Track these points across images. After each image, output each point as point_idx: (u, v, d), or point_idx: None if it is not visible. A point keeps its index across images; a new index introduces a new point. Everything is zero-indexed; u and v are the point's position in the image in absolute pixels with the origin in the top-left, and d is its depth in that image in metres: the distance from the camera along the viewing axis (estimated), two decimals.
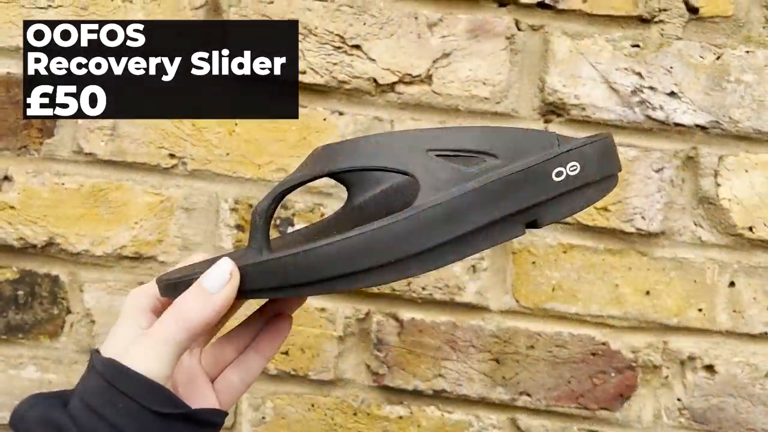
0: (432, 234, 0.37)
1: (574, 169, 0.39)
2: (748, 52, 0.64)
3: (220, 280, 0.38)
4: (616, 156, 0.42)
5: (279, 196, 0.40)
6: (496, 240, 0.39)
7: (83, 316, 0.71)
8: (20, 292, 0.71)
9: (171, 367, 0.38)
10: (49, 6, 0.68)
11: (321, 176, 0.41)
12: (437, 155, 0.39)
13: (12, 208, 0.69)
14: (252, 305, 0.47)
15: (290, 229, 0.68)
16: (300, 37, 0.66)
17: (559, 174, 0.39)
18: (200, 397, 0.43)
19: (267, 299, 0.47)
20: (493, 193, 0.38)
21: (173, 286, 0.41)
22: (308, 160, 0.43)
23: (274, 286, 0.38)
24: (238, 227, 0.69)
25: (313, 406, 0.71)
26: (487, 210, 0.38)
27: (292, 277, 0.37)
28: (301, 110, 0.67)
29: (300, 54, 0.66)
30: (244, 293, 0.39)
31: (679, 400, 0.68)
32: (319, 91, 0.67)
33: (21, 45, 0.68)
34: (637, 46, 0.65)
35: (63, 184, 0.69)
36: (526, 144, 0.40)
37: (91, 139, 0.68)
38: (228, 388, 0.45)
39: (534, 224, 0.40)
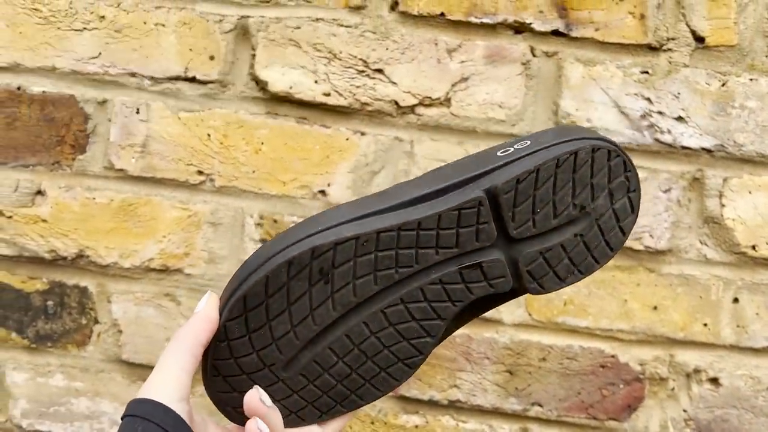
0: (377, 203, 0.42)
1: (524, 144, 0.41)
2: (751, 79, 0.68)
3: (202, 301, 0.45)
4: (582, 128, 0.44)
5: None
6: (447, 203, 0.40)
7: (110, 326, 0.74)
8: (50, 303, 0.74)
9: (180, 381, 0.42)
10: (84, 29, 0.71)
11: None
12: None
13: (44, 221, 0.72)
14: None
15: None
16: (325, 60, 0.69)
17: (505, 150, 0.41)
18: None
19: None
20: (434, 174, 0.42)
21: None
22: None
23: (232, 289, 0.43)
24: (263, 241, 0.71)
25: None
26: (429, 184, 0.41)
27: (243, 272, 0.42)
28: (325, 130, 0.70)
29: (325, 77, 0.69)
30: (226, 302, 0.44)
31: (684, 411, 0.71)
32: (343, 112, 0.70)
33: (56, 65, 0.71)
34: (647, 72, 0.68)
35: (94, 198, 0.72)
36: (472, 158, 0.45)
37: (122, 156, 0.71)
38: None
39: (495, 190, 0.40)
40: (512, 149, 0.41)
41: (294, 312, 0.42)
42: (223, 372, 0.44)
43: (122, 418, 0.42)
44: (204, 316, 0.44)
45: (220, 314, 0.43)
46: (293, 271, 0.41)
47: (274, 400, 0.44)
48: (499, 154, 0.41)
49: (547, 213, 0.42)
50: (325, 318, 0.43)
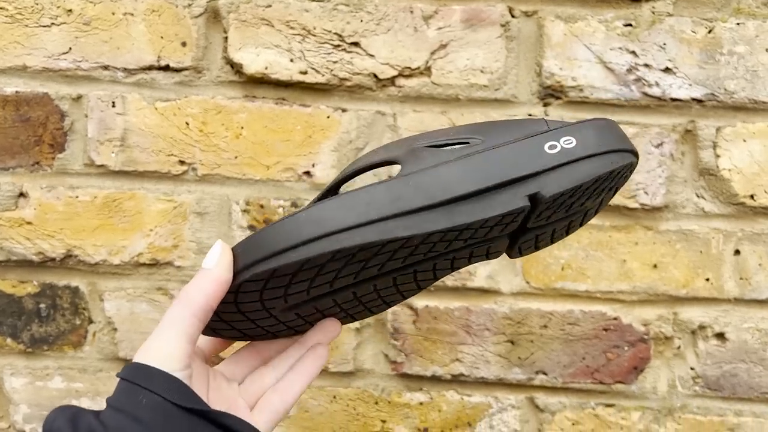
0: (413, 197, 0.37)
1: (569, 143, 0.39)
2: (738, 24, 0.66)
3: (214, 256, 0.41)
4: (619, 133, 0.42)
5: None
6: (493, 211, 0.38)
7: (105, 325, 0.73)
8: (42, 305, 0.73)
9: (184, 350, 0.40)
10: (53, 24, 0.69)
11: (322, 197, 0.44)
12: (425, 147, 0.40)
13: (29, 223, 0.71)
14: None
15: None
16: (299, 38, 0.68)
17: (552, 147, 0.39)
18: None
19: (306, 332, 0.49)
20: (478, 163, 0.38)
21: None
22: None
23: (263, 256, 0.39)
24: (251, 228, 0.70)
25: (335, 397, 0.72)
26: (473, 178, 0.38)
27: (277, 242, 0.38)
28: (304, 109, 0.69)
29: (300, 55, 0.68)
30: (241, 271, 0.40)
31: (692, 369, 0.70)
32: (322, 89, 0.69)
33: (27, 64, 0.69)
34: (630, 25, 0.66)
35: (77, 197, 0.71)
36: (513, 128, 0.40)
37: (101, 152, 0.70)
38: (268, 409, 0.46)
39: (538, 196, 0.39)
40: (559, 147, 0.39)
41: (315, 283, 0.42)
42: (223, 316, 0.44)
43: (120, 379, 0.39)
44: (216, 277, 0.40)
45: (237, 273, 0.41)
46: (336, 258, 0.40)
47: (257, 326, 0.45)
48: (547, 150, 0.39)
49: (562, 211, 0.43)
50: (342, 286, 0.44)
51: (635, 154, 0.42)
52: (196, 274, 0.42)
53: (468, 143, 0.40)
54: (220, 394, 0.45)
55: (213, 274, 0.40)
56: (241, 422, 0.42)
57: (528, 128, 0.40)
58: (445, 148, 0.40)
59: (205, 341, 0.49)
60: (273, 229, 0.39)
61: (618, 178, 0.43)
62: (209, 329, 0.46)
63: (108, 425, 0.38)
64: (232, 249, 0.41)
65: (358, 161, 0.44)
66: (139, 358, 0.40)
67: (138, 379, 0.38)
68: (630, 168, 0.42)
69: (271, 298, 0.43)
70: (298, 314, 0.46)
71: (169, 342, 0.40)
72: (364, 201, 0.38)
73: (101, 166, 0.70)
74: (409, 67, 0.68)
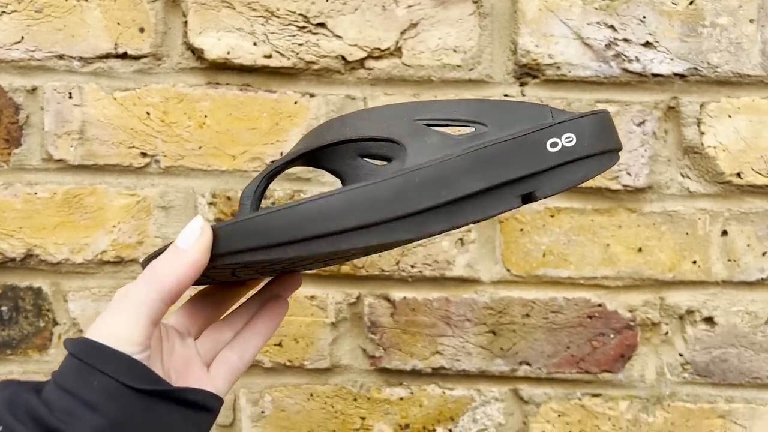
0: (419, 196, 0.36)
1: (570, 140, 0.38)
2: None
3: (192, 236, 0.37)
4: (614, 131, 0.41)
5: (266, 178, 0.39)
6: (489, 210, 0.37)
7: (70, 326, 0.70)
8: (3, 308, 0.70)
9: (146, 334, 0.36)
10: (2, 12, 0.66)
11: (306, 153, 0.40)
12: (425, 124, 0.38)
13: None
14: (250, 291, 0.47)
15: None
16: (262, 20, 0.64)
17: (554, 144, 0.38)
18: (193, 383, 0.42)
19: (263, 282, 0.47)
20: (484, 159, 0.36)
21: (151, 258, 0.40)
22: (300, 140, 0.41)
23: (253, 246, 0.36)
24: (218, 221, 0.67)
25: (312, 395, 0.69)
26: (479, 176, 0.36)
27: (270, 235, 0.36)
28: (270, 95, 0.66)
29: (264, 38, 0.65)
30: (221, 255, 0.37)
31: (681, 355, 0.67)
32: (287, 74, 0.65)
33: None
34: None
35: (35, 193, 0.68)
36: (518, 115, 0.38)
37: (59, 146, 0.67)
38: (225, 366, 0.44)
39: (530, 197, 0.38)
40: (561, 145, 0.38)
41: (292, 266, 0.41)
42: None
43: (70, 355, 0.36)
44: (192, 262, 0.37)
45: (218, 255, 0.38)
46: (331, 255, 0.38)
47: (217, 281, 0.44)
48: (548, 147, 0.37)
49: None
50: (318, 262, 0.43)
51: (620, 150, 0.41)
52: (167, 249, 0.38)
53: (472, 128, 0.38)
54: (175, 356, 0.42)
55: (188, 257, 0.37)
56: (203, 394, 0.40)
57: (532, 116, 0.38)
58: (446, 128, 0.38)
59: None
60: (270, 218, 0.36)
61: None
62: None
63: (54, 407, 0.34)
64: (214, 229, 0.38)
65: (345, 126, 0.40)
66: (93, 334, 0.36)
67: (90, 359, 0.35)
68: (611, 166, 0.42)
69: (244, 272, 0.41)
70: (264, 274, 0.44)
71: (129, 322, 0.36)
72: (369, 200, 0.35)
73: (60, 160, 0.67)
74: (379, 48, 0.64)
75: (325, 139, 0.39)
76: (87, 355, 0.35)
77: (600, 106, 0.64)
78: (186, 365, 0.43)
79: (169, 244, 0.39)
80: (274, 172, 0.39)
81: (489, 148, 0.36)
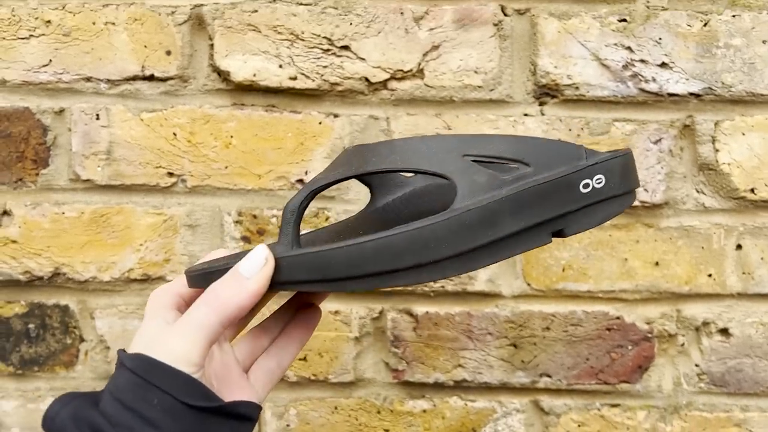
0: (470, 236, 0.38)
1: (600, 182, 0.41)
2: (734, 16, 0.65)
3: (256, 266, 0.38)
4: (635, 171, 0.43)
5: (311, 194, 0.40)
6: (524, 247, 0.40)
7: (97, 343, 0.71)
8: (31, 326, 0.71)
9: (203, 355, 0.38)
10: (31, 36, 0.67)
11: (357, 175, 0.42)
12: (473, 160, 0.40)
13: (14, 242, 0.69)
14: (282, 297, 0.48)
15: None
16: (287, 43, 0.66)
17: (586, 186, 0.40)
18: (235, 390, 0.43)
19: (296, 292, 0.48)
20: (526, 200, 0.39)
21: (205, 276, 0.41)
22: (340, 159, 0.43)
23: (313, 278, 0.38)
24: (244, 239, 0.68)
25: (336, 408, 0.71)
26: (520, 217, 0.39)
27: (331, 270, 0.38)
28: (295, 116, 0.67)
29: (289, 60, 0.66)
30: (280, 284, 0.39)
31: (697, 365, 0.69)
32: (312, 95, 0.67)
33: (6, 77, 0.67)
34: (624, 20, 0.65)
35: (63, 213, 0.69)
36: (555, 154, 0.41)
37: (87, 166, 0.68)
38: (264, 373, 0.46)
39: (560, 233, 0.41)
40: (592, 186, 0.41)
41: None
42: None
43: (129, 370, 0.37)
44: (254, 291, 0.38)
45: (278, 282, 0.39)
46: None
47: None
48: (581, 189, 0.41)
49: None
50: None
51: (638, 188, 0.45)
52: (229, 274, 0.39)
53: (516, 165, 0.41)
54: (215, 362, 0.44)
55: (251, 286, 0.38)
56: (250, 406, 0.41)
57: (568, 155, 0.41)
58: (491, 164, 0.40)
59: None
60: (333, 254, 0.38)
61: None
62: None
63: (114, 421, 0.36)
64: (276, 259, 0.39)
65: (395, 153, 0.41)
66: (153, 352, 0.37)
67: (150, 376, 0.36)
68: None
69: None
70: None
71: (188, 343, 0.38)
72: (426, 240, 0.38)
73: (87, 180, 0.68)
74: (402, 70, 0.66)
75: (376, 165, 0.40)
76: (146, 372, 0.37)
77: (617, 125, 0.66)
78: (226, 371, 0.44)
79: (225, 265, 0.40)
80: (319, 189, 0.40)
81: (530, 190, 0.39)
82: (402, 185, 0.50)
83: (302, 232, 0.46)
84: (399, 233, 0.37)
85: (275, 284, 0.39)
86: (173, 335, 0.38)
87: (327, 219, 0.68)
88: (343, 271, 0.38)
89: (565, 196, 0.40)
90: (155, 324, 0.40)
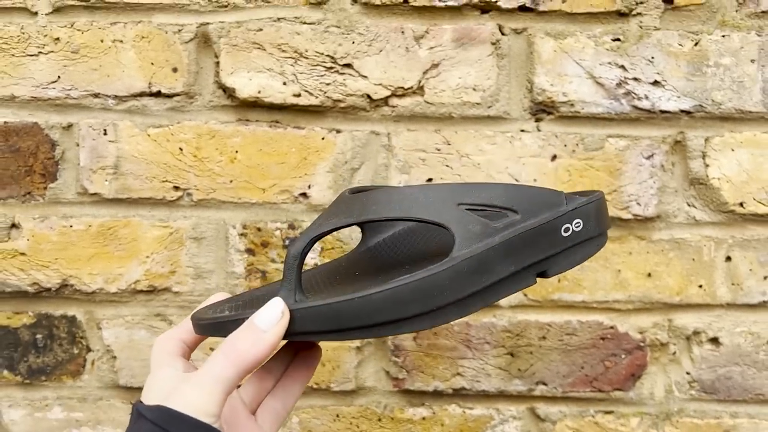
0: (468, 283, 0.41)
1: (578, 226, 0.45)
2: (723, 36, 0.67)
3: (273, 319, 0.40)
4: (607, 213, 0.48)
5: (312, 241, 0.42)
6: (513, 289, 0.44)
7: (104, 353, 0.72)
8: (38, 336, 0.72)
9: (221, 406, 0.39)
10: (40, 53, 0.68)
11: (359, 223, 0.44)
12: (467, 209, 0.43)
13: (22, 254, 0.70)
14: None
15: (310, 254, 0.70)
16: (291, 60, 0.68)
17: (566, 230, 0.45)
18: None
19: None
20: (515, 246, 0.43)
21: (216, 326, 0.42)
22: (339, 205, 0.45)
23: (323, 329, 0.40)
24: (249, 251, 0.70)
25: (338, 416, 0.72)
26: (510, 261, 0.43)
27: (341, 322, 0.40)
28: (299, 131, 0.69)
29: (293, 77, 0.68)
30: (292, 334, 0.41)
31: (688, 373, 0.71)
32: (315, 111, 0.69)
33: (15, 94, 0.69)
34: (618, 39, 0.67)
35: (71, 226, 0.70)
36: (540, 201, 0.44)
37: (94, 180, 0.69)
38: (271, 415, 0.47)
39: (543, 274, 0.45)
40: (571, 230, 0.45)
41: None
42: None
43: (150, 421, 0.38)
44: (271, 343, 0.39)
45: (292, 333, 0.41)
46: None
47: None
48: (562, 233, 0.45)
49: None
50: None
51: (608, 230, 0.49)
52: (245, 326, 0.40)
53: (506, 215, 0.44)
54: (224, 409, 0.44)
55: (268, 339, 0.39)
56: None
57: (551, 202, 0.45)
58: (483, 212, 0.43)
59: None
60: (343, 306, 0.40)
61: None
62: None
63: None
64: (290, 311, 0.41)
65: (392, 203, 0.43)
66: (171, 403, 0.38)
67: (170, 427, 0.37)
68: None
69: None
70: None
71: (206, 395, 0.39)
72: (430, 289, 0.40)
73: (95, 194, 0.70)
74: (402, 87, 0.68)
75: (377, 214, 0.42)
76: (167, 422, 0.38)
77: (611, 141, 0.68)
78: (234, 415, 0.45)
79: (238, 316, 0.41)
80: (320, 236, 0.42)
81: (519, 236, 0.43)
82: (391, 225, 0.53)
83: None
84: (404, 284, 0.40)
85: (287, 334, 0.41)
86: (191, 386, 0.39)
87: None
88: (352, 322, 0.40)
89: (549, 240, 0.44)
90: (167, 374, 0.42)
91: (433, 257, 0.45)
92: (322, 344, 0.71)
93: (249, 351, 0.39)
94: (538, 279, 0.45)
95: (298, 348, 0.50)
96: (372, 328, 0.40)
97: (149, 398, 0.40)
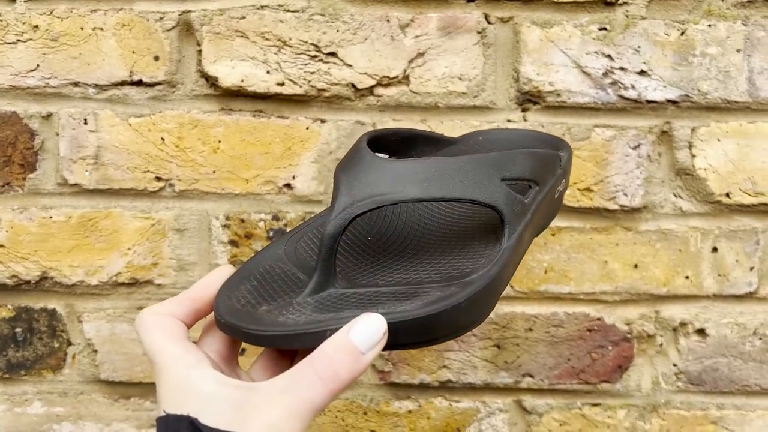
0: (512, 263, 0.42)
1: (563, 186, 0.49)
2: (710, 25, 0.67)
3: (373, 340, 0.35)
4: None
5: (353, 219, 0.39)
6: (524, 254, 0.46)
7: (84, 347, 0.71)
8: (18, 330, 0.71)
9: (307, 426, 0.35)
10: (18, 41, 0.67)
11: (406, 201, 0.40)
12: (507, 184, 0.42)
13: (1, 246, 0.69)
14: None
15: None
16: (275, 49, 0.67)
17: (558, 193, 0.48)
18: None
19: None
20: (535, 218, 0.44)
21: (294, 338, 0.36)
22: (373, 172, 0.41)
23: (415, 341, 0.37)
24: (232, 243, 0.69)
25: (323, 410, 0.72)
26: (532, 233, 0.45)
27: (435, 332, 0.37)
28: (283, 121, 0.68)
29: (277, 66, 0.67)
30: (387, 347, 0.37)
31: (674, 365, 0.71)
32: (300, 101, 0.68)
33: None
34: (605, 29, 0.67)
35: (51, 217, 0.69)
36: (550, 167, 0.46)
37: (74, 170, 0.68)
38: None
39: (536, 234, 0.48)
40: (559, 192, 0.50)
41: None
42: None
43: None
44: (368, 364, 0.35)
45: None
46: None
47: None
48: (555, 196, 0.50)
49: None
50: None
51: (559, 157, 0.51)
52: (343, 346, 0.35)
53: (536, 187, 0.46)
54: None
55: (366, 361, 0.35)
56: None
57: (553, 167, 0.47)
58: (514, 185, 0.44)
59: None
60: (439, 318, 0.36)
61: None
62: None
63: None
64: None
65: (441, 178, 0.40)
66: (244, 423, 0.33)
67: None
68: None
69: None
70: None
71: (296, 422, 0.34)
72: (497, 285, 0.40)
73: (75, 185, 0.69)
74: (388, 76, 0.67)
75: (427, 192, 0.39)
76: None
77: (597, 131, 0.68)
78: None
79: (323, 327, 0.36)
80: (361, 214, 0.39)
81: (539, 207, 0.45)
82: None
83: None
84: (482, 288, 0.38)
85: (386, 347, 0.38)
86: (289, 417, 0.34)
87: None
88: (444, 331, 0.37)
89: (549, 205, 0.46)
90: (202, 374, 0.35)
91: (474, 231, 0.45)
92: None
93: (349, 376, 0.35)
94: (537, 242, 0.51)
95: None
96: (457, 332, 0.38)
97: (172, 407, 0.34)
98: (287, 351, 0.45)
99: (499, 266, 0.39)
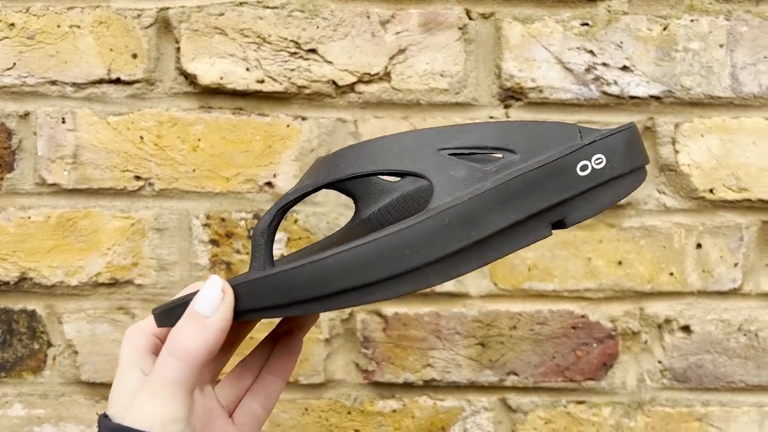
0: (452, 237, 0.34)
1: (600, 162, 0.36)
2: (692, 20, 0.66)
3: (213, 301, 0.35)
4: (642, 146, 0.39)
5: (280, 212, 0.37)
6: (520, 243, 0.36)
7: (65, 348, 0.70)
8: None
9: (185, 408, 0.35)
10: None
11: (323, 186, 0.38)
12: (451, 154, 0.36)
13: None
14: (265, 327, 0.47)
15: (275, 245, 0.69)
16: (254, 46, 0.66)
17: (584, 168, 0.36)
18: None
19: (279, 319, 0.45)
20: (514, 192, 0.34)
21: (167, 314, 0.37)
22: (310, 170, 0.39)
23: (278, 303, 0.34)
24: (213, 242, 0.68)
25: (306, 410, 0.71)
26: (509, 210, 0.34)
27: (296, 292, 0.34)
28: (263, 119, 0.67)
29: (257, 63, 0.66)
30: (243, 313, 0.36)
31: (659, 362, 0.71)
32: (280, 98, 0.67)
33: None
34: (587, 24, 0.66)
35: (29, 217, 0.68)
36: (546, 137, 0.36)
37: (53, 170, 0.68)
38: (250, 416, 0.43)
39: (561, 224, 0.37)
40: (590, 168, 0.36)
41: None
42: None
43: None
44: (219, 327, 0.34)
45: (240, 311, 0.36)
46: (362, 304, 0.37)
47: None
48: (578, 172, 0.36)
49: None
50: None
51: (647, 164, 0.40)
52: (186, 316, 0.35)
53: (500, 156, 0.36)
54: (197, 410, 0.40)
55: (214, 324, 0.35)
56: None
57: (561, 137, 0.36)
58: (472, 156, 0.36)
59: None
60: (295, 274, 0.34)
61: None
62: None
63: None
64: (234, 288, 0.36)
65: (362, 156, 0.37)
66: (130, 420, 0.34)
67: None
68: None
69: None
70: None
71: (169, 404, 0.34)
72: (400, 248, 0.33)
73: (53, 184, 0.68)
74: (369, 73, 0.67)
75: (343, 171, 0.36)
76: None
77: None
78: (209, 418, 0.41)
79: (183, 299, 0.37)
80: (287, 205, 0.37)
81: (518, 179, 0.35)
82: (387, 191, 0.46)
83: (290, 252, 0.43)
84: (365, 243, 0.33)
85: (237, 314, 0.36)
86: (150, 397, 0.35)
87: (296, 221, 0.68)
88: (308, 291, 0.34)
89: (561, 182, 0.35)
90: (131, 379, 0.37)
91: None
92: None
93: (197, 344, 0.34)
94: (553, 231, 0.37)
95: (276, 341, 0.45)
96: (333, 298, 0.34)
97: (113, 410, 0.36)
98: (253, 364, 0.45)
99: (400, 228, 0.33)
